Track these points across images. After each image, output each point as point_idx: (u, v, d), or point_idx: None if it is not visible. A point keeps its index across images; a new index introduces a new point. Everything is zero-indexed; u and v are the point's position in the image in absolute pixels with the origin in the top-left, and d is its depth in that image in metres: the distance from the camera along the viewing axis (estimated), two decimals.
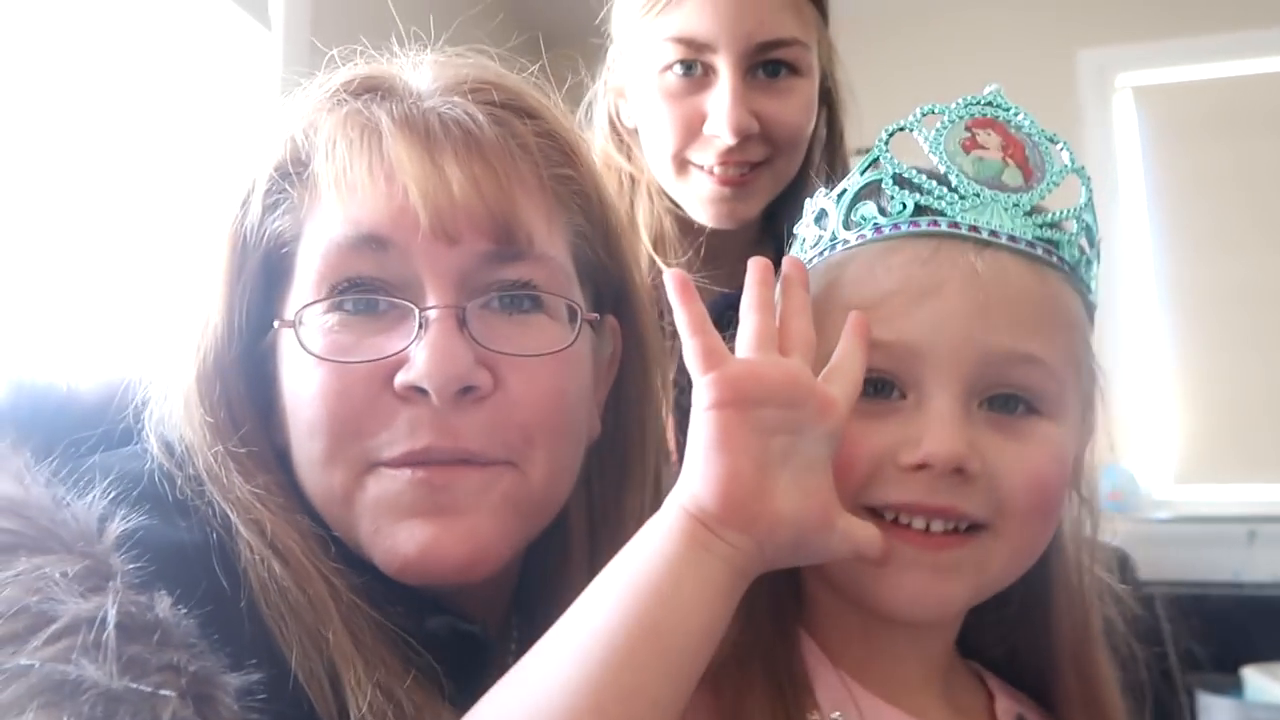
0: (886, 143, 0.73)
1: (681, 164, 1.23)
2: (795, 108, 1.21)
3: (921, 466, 0.65)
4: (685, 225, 1.28)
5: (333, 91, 0.75)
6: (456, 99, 0.74)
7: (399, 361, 0.69)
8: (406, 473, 0.69)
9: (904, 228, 0.70)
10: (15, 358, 1.01)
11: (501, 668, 0.62)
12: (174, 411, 0.72)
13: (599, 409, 0.83)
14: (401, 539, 0.69)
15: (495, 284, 0.72)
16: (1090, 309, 0.72)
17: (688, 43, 1.17)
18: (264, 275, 0.75)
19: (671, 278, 0.63)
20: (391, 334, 0.70)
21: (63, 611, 0.56)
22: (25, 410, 0.72)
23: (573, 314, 0.75)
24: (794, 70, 1.20)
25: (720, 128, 1.17)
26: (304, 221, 0.73)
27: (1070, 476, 0.70)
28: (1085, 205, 0.72)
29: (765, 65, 1.19)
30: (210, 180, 0.84)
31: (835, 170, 1.28)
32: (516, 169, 0.73)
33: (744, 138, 1.18)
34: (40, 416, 0.72)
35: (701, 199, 1.23)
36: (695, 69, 1.18)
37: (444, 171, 0.70)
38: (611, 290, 0.83)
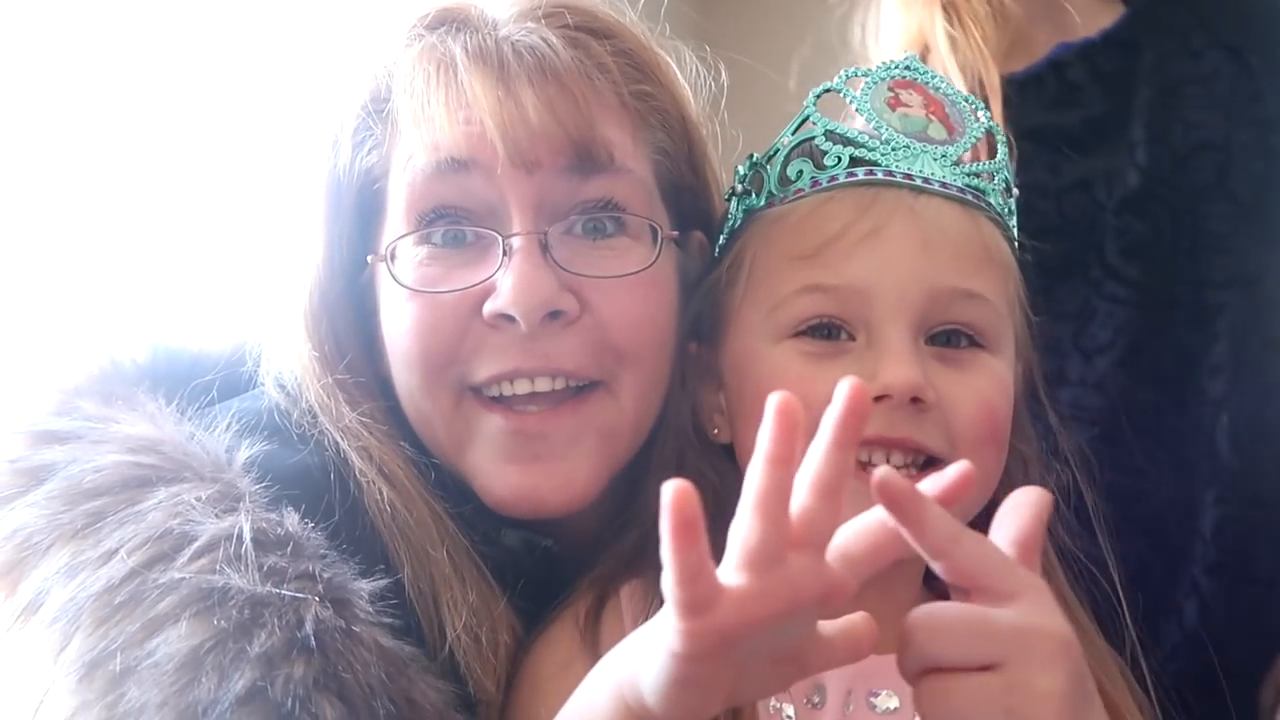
0: (815, 102, 0.76)
1: None
2: None
3: (880, 398, 0.65)
4: None
5: (410, 27, 0.77)
6: (530, 24, 0.75)
7: (486, 290, 0.72)
8: (500, 420, 0.73)
9: (841, 178, 0.72)
10: (152, 323, 1.12)
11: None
12: (284, 351, 0.77)
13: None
14: (499, 483, 0.73)
15: (577, 205, 0.73)
16: (1016, 256, 0.75)
17: None
18: (358, 212, 0.77)
19: (672, 495, 0.47)
20: (478, 264, 0.73)
21: (202, 531, 0.62)
22: (162, 368, 0.79)
23: (654, 233, 0.76)
24: None
25: None
26: (390, 156, 0.75)
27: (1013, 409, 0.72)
28: (1003, 161, 0.76)
29: None
30: (299, 126, 0.85)
31: None
32: (594, 89, 0.74)
33: None
34: (175, 373, 0.79)
35: None
36: None
37: (519, 100, 0.70)
38: (696, 209, 0.83)
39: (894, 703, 0.67)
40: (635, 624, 0.70)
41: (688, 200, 0.82)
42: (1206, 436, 1.03)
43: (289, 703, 0.57)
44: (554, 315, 0.71)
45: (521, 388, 0.73)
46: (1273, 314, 1.05)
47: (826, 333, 0.69)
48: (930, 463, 0.68)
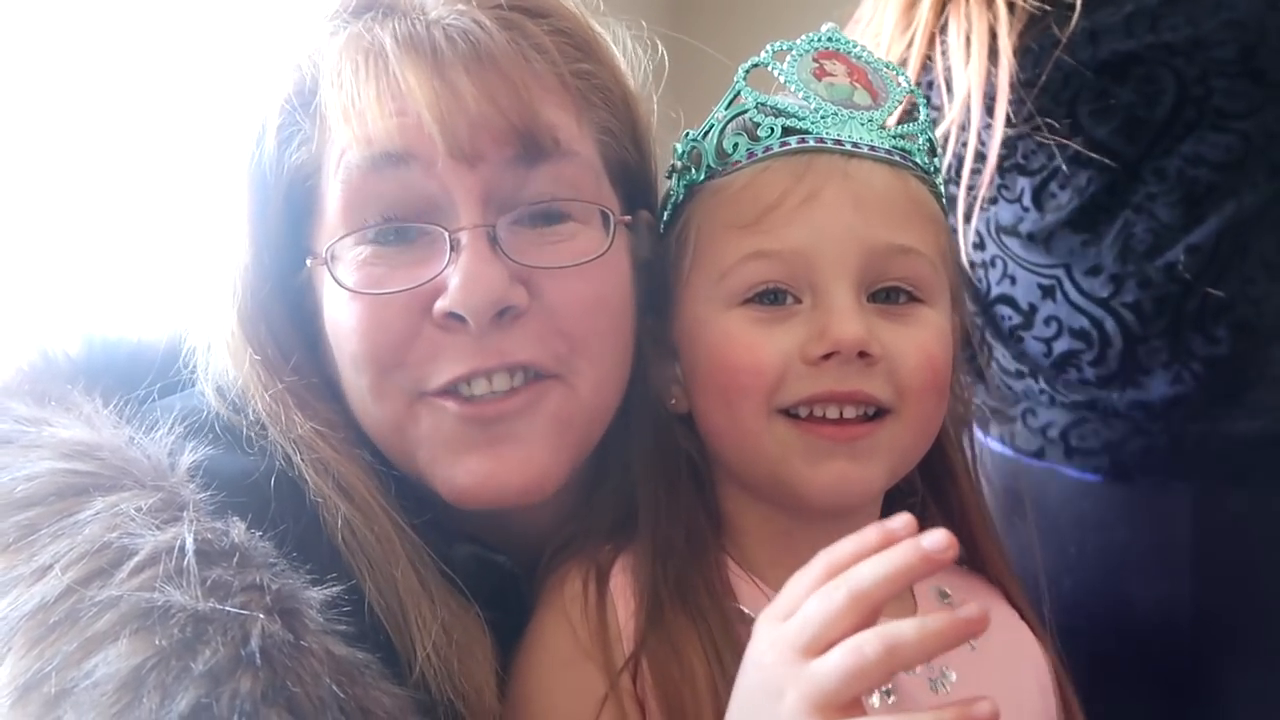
0: (745, 77, 0.78)
1: None
2: None
3: (829, 355, 0.69)
4: None
5: (332, 13, 0.73)
6: (461, 7, 0.72)
7: (435, 289, 0.70)
8: (453, 407, 0.71)
9: (775, 148, 0.75)
10: (84, 313, 1.05)
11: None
12: (222, 357, 0.73)
13: None
14: (459, 473, 0.71)
15: (525, 197, 0.71)
16: (945, 211, 0.79)
17: None
18: (289, 210, 0.74)
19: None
20: (425, 261, 0.70)
21: (142, 544, 0.59)
22: (98, 362, 0.75)
23: (606, 218, 0.74)
24: None
25: None
26: (321, 152, 0.72)
27: (953, 359, 0.76)
28: (925, 123, 0.80)
29: None
30: (222, 118, 0.80)
31: None
32: (533, 72, 0.71)
33: None
34: (113, 367, 0.76)
35: None
36: None
37: (456, 89, 0.68)
38: (642, 188, 0.81)
39: None
40: (633, 598, 0.72)
41: (634, 178, 0.80)
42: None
43: (235, 719, 0.56)
44: (503, 312, 0.69)
45: (480, 388, 0.71)
46: None
47: (773, 298, 0.72)
48: (879, 414, 0.72)
